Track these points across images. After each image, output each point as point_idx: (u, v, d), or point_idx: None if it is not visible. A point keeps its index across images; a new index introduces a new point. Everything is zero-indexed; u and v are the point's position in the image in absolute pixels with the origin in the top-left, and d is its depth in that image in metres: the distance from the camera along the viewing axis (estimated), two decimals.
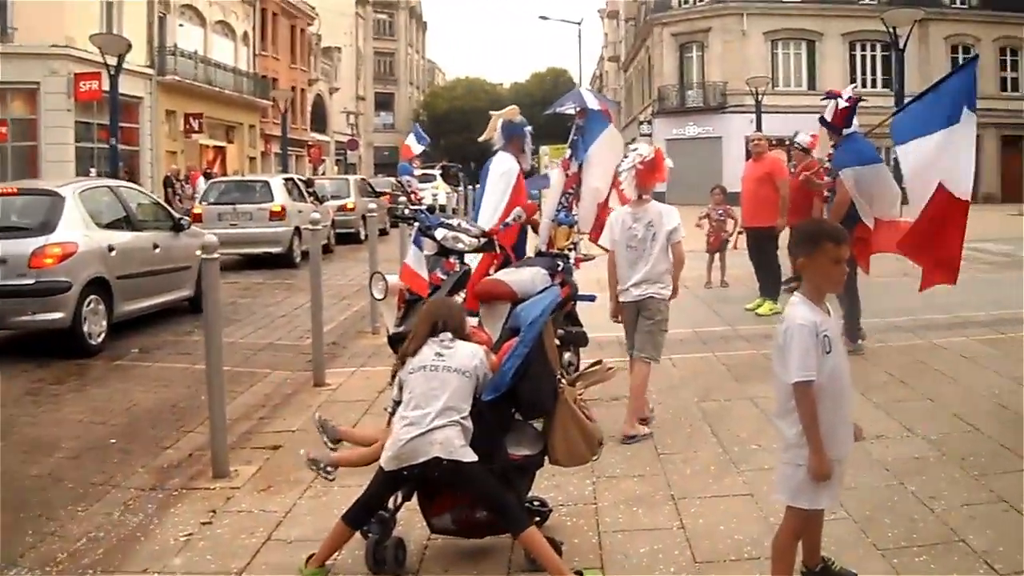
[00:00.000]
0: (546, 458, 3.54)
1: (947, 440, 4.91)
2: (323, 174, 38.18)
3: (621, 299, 5.26)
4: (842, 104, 6.91)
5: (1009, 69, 38.73)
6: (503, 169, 6.06)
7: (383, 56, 66.81)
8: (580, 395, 3.61)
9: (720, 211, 11.52)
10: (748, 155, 10.04)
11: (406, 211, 6.43)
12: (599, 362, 3.84)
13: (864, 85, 34.41)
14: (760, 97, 28.38)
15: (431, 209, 10.55)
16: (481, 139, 6.56)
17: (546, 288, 4.10)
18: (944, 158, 4.77)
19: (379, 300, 4.96)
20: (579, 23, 46.82)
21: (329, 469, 3.89)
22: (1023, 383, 5.96)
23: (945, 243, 4.79)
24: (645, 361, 5.15)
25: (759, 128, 27.53)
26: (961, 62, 36.42)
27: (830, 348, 2.86)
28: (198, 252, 5.06)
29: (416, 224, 4.94)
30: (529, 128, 6.35)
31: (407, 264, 4.76)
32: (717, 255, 11.49)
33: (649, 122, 40.60)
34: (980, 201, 34.45)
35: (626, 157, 5.34)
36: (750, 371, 6.59)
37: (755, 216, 9.29)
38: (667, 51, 40.12)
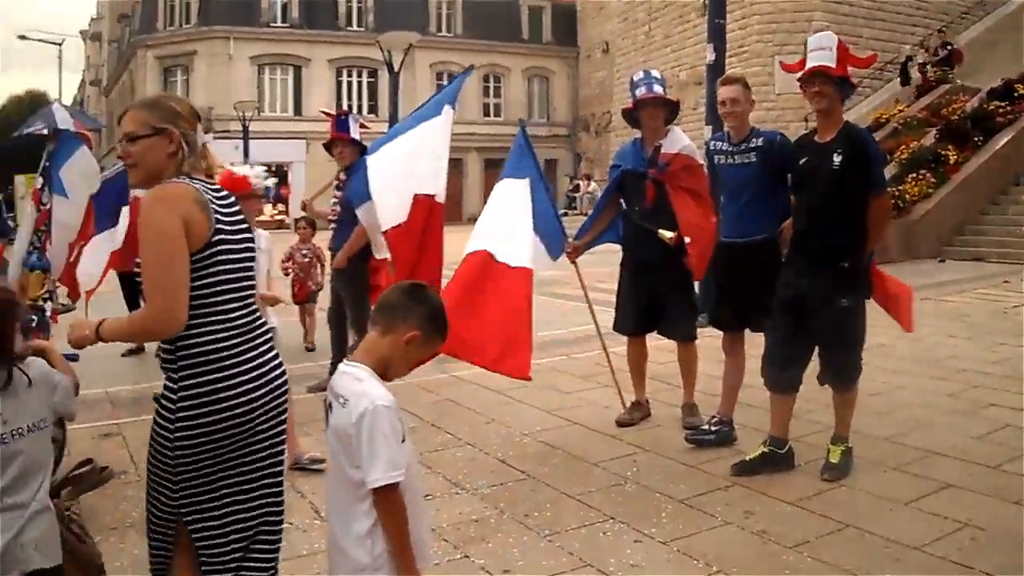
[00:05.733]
0: None
1: (501, 493, 4.24)
2: None
3: None
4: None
5: (492, 95, 42.25)
6: None
7: None
8: (70, 509, 2.79)
9: (306, 250, 8.84)
10: None
11: None
12: (89, 460, 3.07)
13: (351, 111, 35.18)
14: (247, 123, 27.22)
15: None
16: None
17: None
18: (415, 162, 4.94)
19: None
20: (60, 44, 43.98)
21: None
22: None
23: (430, 245, 4.93)
24: None
25: (247, 155, 26.40)
26: None
27: (405, 435, 2.21)
28: None
29: None
30: None
31: None
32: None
33: None
34: (465, 222, 37.12)
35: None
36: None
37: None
38: (151, 75, 37.86)
